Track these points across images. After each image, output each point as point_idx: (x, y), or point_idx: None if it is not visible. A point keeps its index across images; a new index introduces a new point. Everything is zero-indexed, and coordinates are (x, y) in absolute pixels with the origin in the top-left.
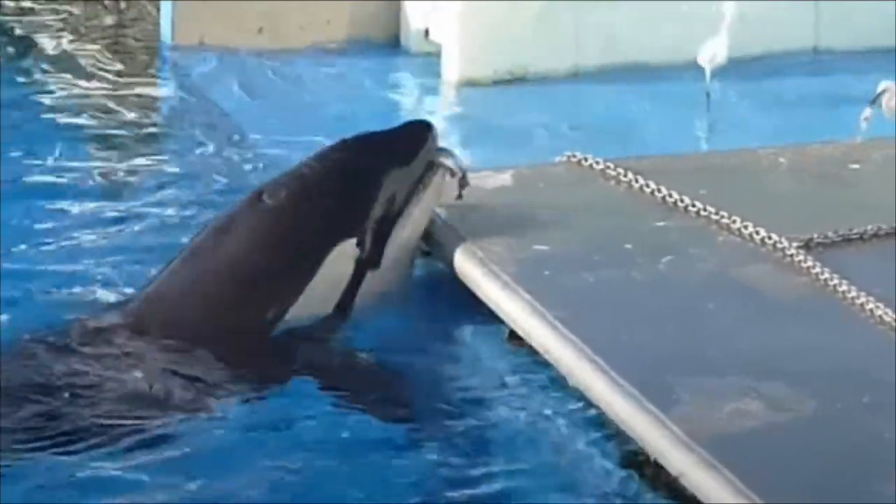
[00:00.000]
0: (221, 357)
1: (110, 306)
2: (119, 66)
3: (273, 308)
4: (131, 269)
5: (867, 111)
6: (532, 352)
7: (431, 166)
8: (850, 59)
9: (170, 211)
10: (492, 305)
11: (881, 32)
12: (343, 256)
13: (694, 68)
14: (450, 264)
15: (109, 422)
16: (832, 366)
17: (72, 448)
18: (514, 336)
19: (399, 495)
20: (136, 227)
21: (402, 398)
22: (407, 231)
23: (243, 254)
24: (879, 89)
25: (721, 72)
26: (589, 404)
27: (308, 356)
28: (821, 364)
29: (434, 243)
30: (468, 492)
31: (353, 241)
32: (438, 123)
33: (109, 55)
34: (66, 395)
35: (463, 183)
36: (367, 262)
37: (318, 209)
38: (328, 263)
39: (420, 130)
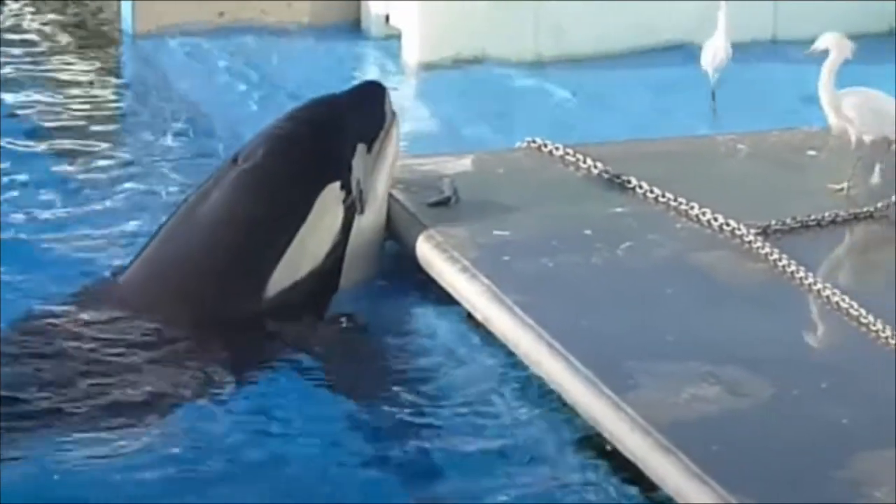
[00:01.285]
0: (213, 331)
1: (102, 277)
2: (80, 53)
3: (266, 259)
4: (93, 252)
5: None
6: (491, 336)
7: (392, 115)
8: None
9: (133, 193)
10: (451, 290)
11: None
12: (330, 201)
13: (653, 53)
14: (410, 249)
15: (96, 400)
16: (789, 352)
17: (58, 424)
18: (472, 320)
19: (356, 473)
20: (98, 208)
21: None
22: (382, 174)
23: (228, 216)
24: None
25: (683, 57)
26: (547, 388)
27: (299, 329)
28: (778, 350)
29: (394, 228)
30: (423, 468)
31: (337, 184)
32: (399, 107)
33: (71, 41)
34: (64, 370)
35: (456, 199)
36: (353, 206)
37: (297, 160)
38: (316, 209)
39: (375, 86)
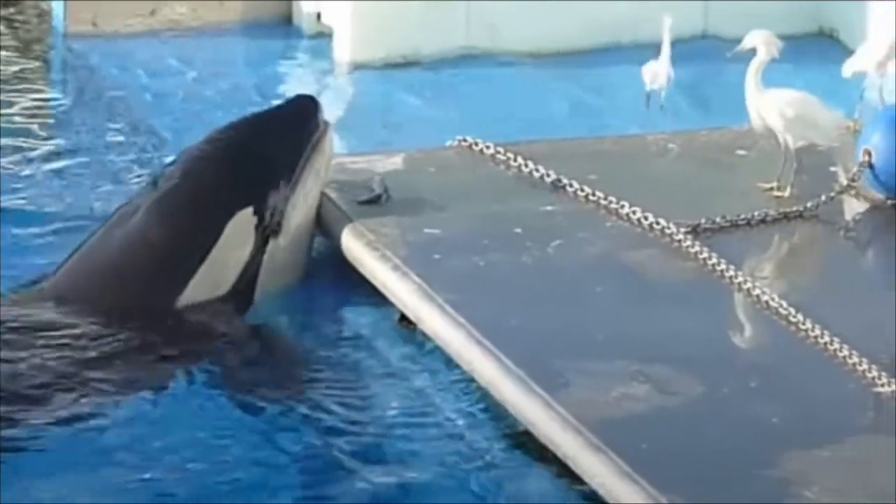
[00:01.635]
0: (129, 334)
1: (28, 283)
2: (10, 51)
3: (175, 280)
4: (20, 258)
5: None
6: (423, 335)
7: (319, 130)
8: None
9: (62, 190)
10: (382, 288)
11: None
12: (241, 226)
13: (587, 53)
14: (340, 247)
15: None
16: (719, 350)
17: None
18: (404, 319)
19: (287, 475)
20: (29, 208)
21: (298, 376)
22: (303, 198)
23: (142, 236)
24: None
25: (613, 61)
26: (477, 387)
27: (213, 330)
28: (708, 349)
29: (325, 226)
30: (353, 470)
31: (250, 210)
32: (330, 106)
33: (2, 42)
34: None
35: (387, 197)
36: (266, 231)
37: (211, 185)
38: (227, 234)
39: (305, 101)
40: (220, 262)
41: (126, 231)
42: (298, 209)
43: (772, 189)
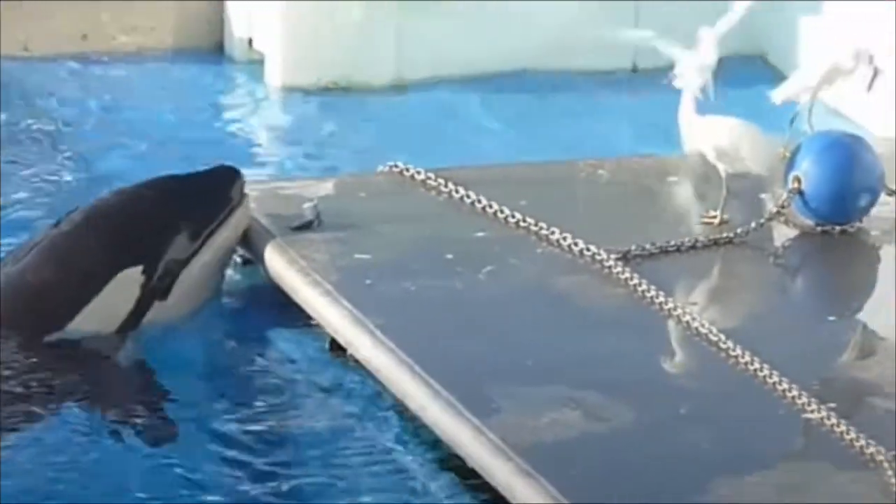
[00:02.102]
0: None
1: None
2: None
3: (55, 321)
4: None
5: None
6: (354, 361)
7: (237, 204)
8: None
9: None
10: (313, 314)
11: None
12: (126, 283)
13: (514, 79)
14: (271, 273)
15: None
16: (649, 376)
17: None
18: (335, 346)
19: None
20: None
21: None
22: (200, 268)
23: (33, 271)
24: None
25: (543, 87)
26: (408, 412)
27: (88, 369)
28: (638, 375)
29: (255, 251)
30: (276, 494)
31: (139, 269)
32: (261, 132)
33: None
34: None
35: (318, 222)
36: (153, 292)
37: (104, 236)
38: (110, 288)
39: (226, 171)
40: (98, 313)
41: (14, 268)
42: (193, 277)
43: (715, 218)
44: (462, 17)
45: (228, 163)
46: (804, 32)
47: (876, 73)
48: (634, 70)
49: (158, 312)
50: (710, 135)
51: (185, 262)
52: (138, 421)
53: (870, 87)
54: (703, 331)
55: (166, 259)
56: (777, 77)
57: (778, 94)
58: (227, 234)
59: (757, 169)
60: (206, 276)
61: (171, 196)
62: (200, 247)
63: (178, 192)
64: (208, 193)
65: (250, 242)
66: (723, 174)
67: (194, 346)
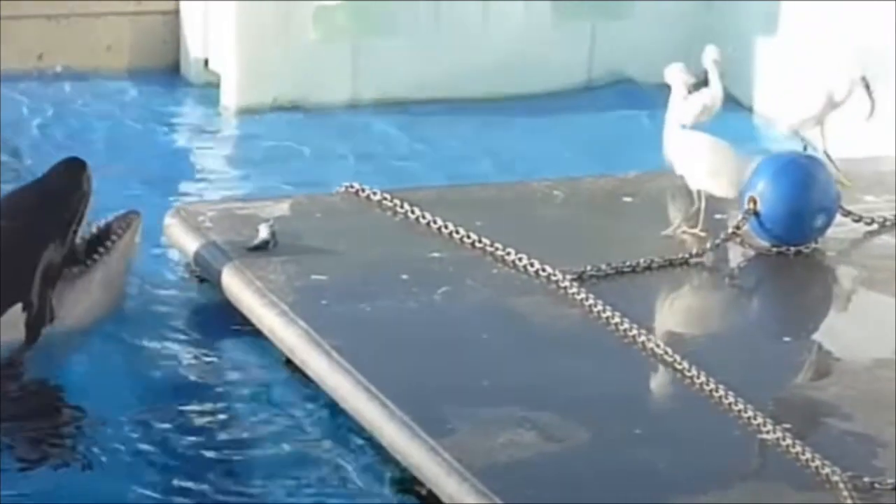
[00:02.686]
0: None
1: None
2: None
3: None
4: None
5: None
6: (309, 380)
7: (123, 222)
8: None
9: None
10: (269, 334)
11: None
12: (10, 325)
13: (471, 101)
14: (226, 293)
15: None
16: (605, 397)
17: None
18: (290, 366)
19: None
20: None
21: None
22: (92, 283)
23: None
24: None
25: (498, 108)
26: (364, 432)
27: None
28: (593, 395)
29: (211, 271)
30: None
31: (18, 308)
32: (217, 152)
33: None
34: None
35: (274, 243)
36: (38, 321)
37: None
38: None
39: (70, 170)
40: None
41: None
42: (84, 295)
43: (676, 231)
44: (418, 38)
45: (183, 182)
46: (758, 54)
47: (872, 101)
48: (589, 88)
49: (52, 332)
50: (683, 150)
51: (59, 273)
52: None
53: (871, 113)
54: (659, 351)
55: (38, 283)
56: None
57: (782, 124)
58: (119, 249)
59: (721, 193)
60: (102, 287)
61: (21, 217)
62: (71, 248)
63: (25, 209)
64: (58, 196)
65: (206, 263)
66: (693, 190)
67: (144, 360)
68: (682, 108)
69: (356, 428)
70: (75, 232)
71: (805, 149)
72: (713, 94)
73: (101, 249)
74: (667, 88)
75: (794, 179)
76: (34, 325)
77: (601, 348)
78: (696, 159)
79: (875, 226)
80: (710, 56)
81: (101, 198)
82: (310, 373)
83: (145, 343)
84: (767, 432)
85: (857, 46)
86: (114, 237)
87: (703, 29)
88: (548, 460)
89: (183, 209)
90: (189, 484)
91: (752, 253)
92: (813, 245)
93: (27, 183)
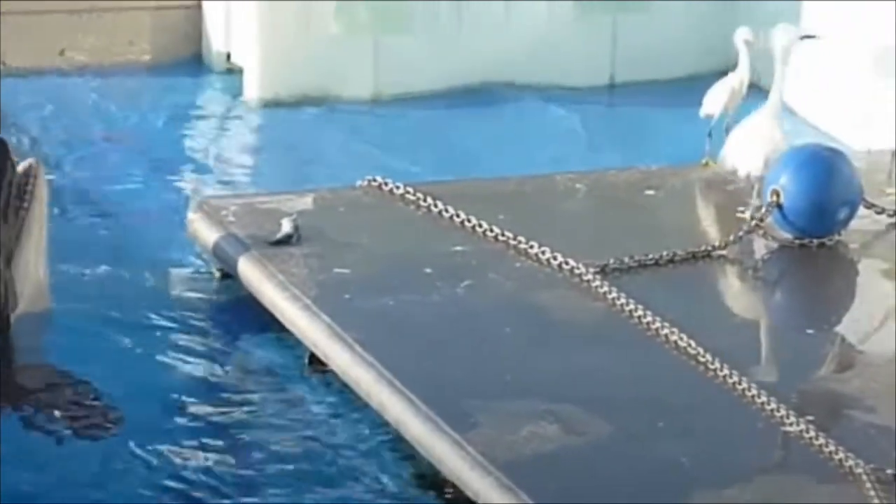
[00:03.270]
0: None
1: None
2: None
3: None
4: None
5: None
6: (334, 375)
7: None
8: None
9: None
10: (292, 328)
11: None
12: None
13: (494, 92)
14: (249, 287)
15: None
16: (628, 390)
17: None
18: (314, 361)
19: None
20: None
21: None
22: (28, 249)
23: None
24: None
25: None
26: (388, 427)
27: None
28: (616, 388)
29: (233, 265)
30: None
31: None
32: (240, 145)
33: None
34: None
35: (297, 237)
36: (5, 305)
37: None
38: None
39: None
40: None
41: None
42: (26, 269)
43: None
44: (439, 32)
45: (206, 177)
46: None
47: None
48: (612, 84)
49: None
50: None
51: (11, 252)
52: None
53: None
54: (682, 344)
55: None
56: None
57: (703, 109)
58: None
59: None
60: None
61: None
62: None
63: None
64: None
65: (229, 257)
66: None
67: (166, 355)
68: (709, 96)
69: (379, 423)
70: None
71: (710, 135)
72: (741, 76)
73: (24, 206)
74: (688, 82)
75: (816, 172)
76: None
77: (624, 342)
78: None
79: None
80: (741, 37)
81: (123, 191)
82: (333, 367)
83: (167, 337)
84: (791, 425)
85: (875, 45)
86: (27, 193)
87: (724, 25)
88: (571, 454)
89: (206, 203)
90: (205, 478)
91: (775, 245)
92: (836, 237)
93: None
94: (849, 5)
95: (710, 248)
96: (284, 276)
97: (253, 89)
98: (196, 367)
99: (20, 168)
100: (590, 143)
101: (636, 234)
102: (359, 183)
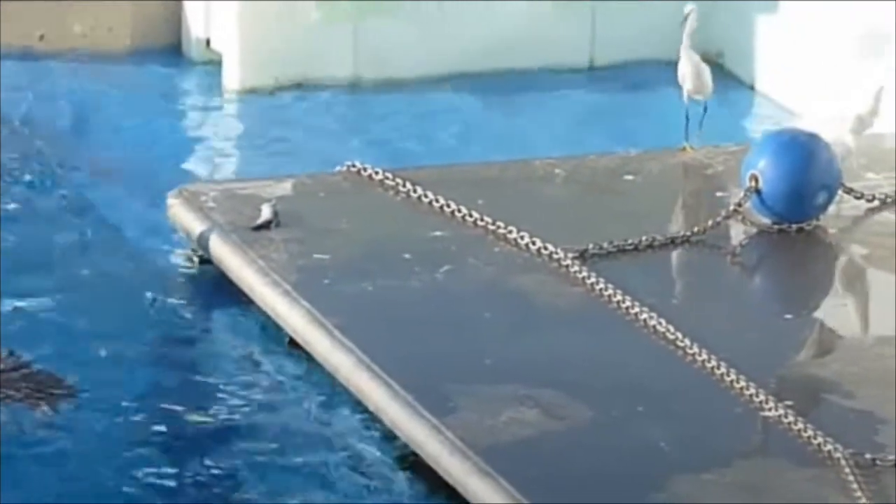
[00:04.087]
0: None
1: None
2: None
3: None
4: None
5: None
6: (313, 359)
7: None
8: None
9: None
10: (272, 314)
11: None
12: None
13: (472, 80)
14: (229, 272)
15: None
16: (607, 375)
17: None
18: (293, 345)
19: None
20: None
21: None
22: None
23: None
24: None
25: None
26: (367, 411)
27: None
28: (596, 373)
29: (214, 252)
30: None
31: None
32: (219, 132)
33: None
34: None
35: (277, 222)
36: None
37: None
38: None
39: None
40: None
41: None
42: None
43: None
44: (419, 17)
45: (185, 162)
46: (759, 32)
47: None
48: (591, 67)
49: None
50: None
51: None
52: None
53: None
54: (661, 329)
55: None
56: (731, 78)
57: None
58: None
59: None
60: None
61: None
62: None
63: None
64: None
65: (208, 243)
66: None
67: (147, 343)
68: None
69: (359, 407)
70: None
71: (687, 120)
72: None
73: None
74: (667, 65)
75: (795, 156)
76: None
77: (603, 326)
78: None
79: (876, 203)
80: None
81: (102, 179)
82: (312, 352)
83: (147, 324)
84: (769, 409)
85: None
86: None
87: (705, 7)
88: (550, 438)
89: (185, 190)
90: (190, 464)
91: (753, 230)
92: (814, 222)
93: None
94: None
95: (689, 233)
96: (264, 261)
97: (233, 75)
98: (175, 352)
99: None
100: (569, 128)
101: (615, 220)
102: (338, 168)
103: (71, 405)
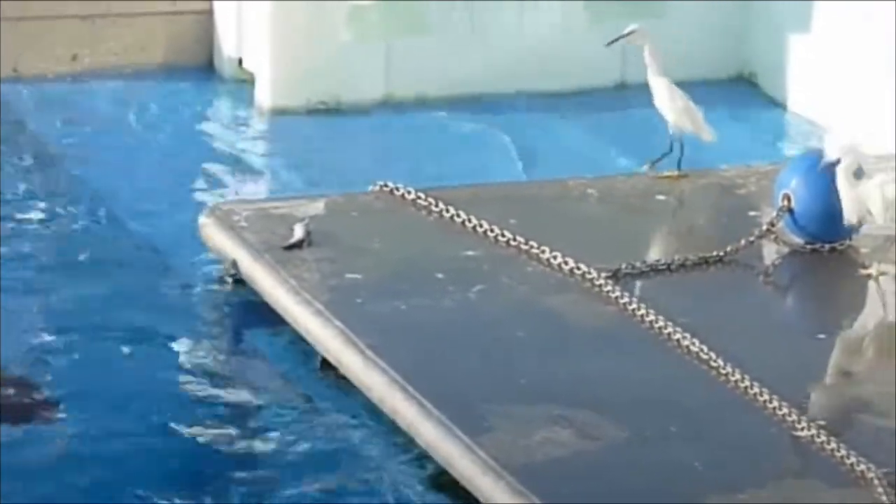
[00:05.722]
0: None
1: None
2: None
3: None
4: None
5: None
6: (345, 379)
7: None
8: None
9: None
10: (304, 334)
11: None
12: None
13: (504, 99)
14: (261, 292)
15: None
16: (640, 395)
17: None
18: (325, 365)
19: None
20: None
21: None
22: None
23: None
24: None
25: (532, 106)
26: (400, 431)
27: None
28: (629, 393)
29: (247, 272)
30: None
31: None
32: (252, 151)
33: None
34: None
35: (309, 242)
36: None
37: None
38: None
39: None
40: None
41: None
42: None
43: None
44: (450, 37)
45: (218, 182)
46: (793, 52)
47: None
48: (621, 86)
49: None
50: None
51: None
52: None
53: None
54: (694, 349)
55: None
56: (765, 98)
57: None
58: None
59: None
60: None
61: None
62: None
63: None
64: None
65: (241, 262)
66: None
67: (179, 360)
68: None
69: (392, 427)
70: None
71: (671, 148)
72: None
73: None
74: (700, 85)
75: (828, 177)
76: None
77: (636, 346)
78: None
79: None
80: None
81: (135, 197)
82: (345, 372)
83: (179, 342)
84: (802, 429)
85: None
86: None
87: (738, 28)
88: (584, 458)
89: (218, 208)
90: (220, 484)
91: (786, 250)
92: (847, 242)
93: None
94: (861, 6)
95: (721, 253)
96: (296, 281)
97: (265, 94)
98: (207, 370)
99: None
100: (602, 148)
101: (648, 239)
102: (370, 188)
103: (100, 421)
